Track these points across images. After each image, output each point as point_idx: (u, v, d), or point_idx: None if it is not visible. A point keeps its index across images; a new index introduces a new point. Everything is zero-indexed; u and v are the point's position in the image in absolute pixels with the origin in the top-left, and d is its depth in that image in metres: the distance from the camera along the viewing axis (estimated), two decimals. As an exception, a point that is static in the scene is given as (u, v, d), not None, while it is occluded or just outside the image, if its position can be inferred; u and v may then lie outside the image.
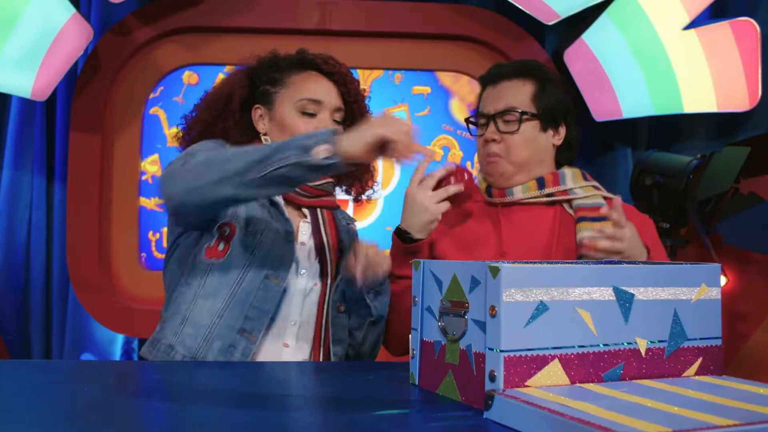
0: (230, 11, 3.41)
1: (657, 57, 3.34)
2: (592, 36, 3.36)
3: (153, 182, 3.49)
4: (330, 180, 2.03)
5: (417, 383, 1.30)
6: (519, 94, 2.08)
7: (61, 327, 3.55)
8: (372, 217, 3.55)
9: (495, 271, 1.09)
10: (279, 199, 1.91)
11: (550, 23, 3.37)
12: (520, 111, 2.04)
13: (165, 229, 3.38)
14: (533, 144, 2.06)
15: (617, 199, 1.80)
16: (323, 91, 1.98)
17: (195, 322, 1.78)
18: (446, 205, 1.87)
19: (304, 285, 1.89)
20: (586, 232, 1.96)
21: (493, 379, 1.09)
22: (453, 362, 1.20)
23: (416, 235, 1.89)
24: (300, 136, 1.67)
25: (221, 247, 1.81)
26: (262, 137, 1.99)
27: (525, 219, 2.06)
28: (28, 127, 3.50)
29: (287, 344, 1.85)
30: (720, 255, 3.31)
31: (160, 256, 3.45)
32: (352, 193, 2.16)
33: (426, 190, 1.86)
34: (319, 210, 1.97)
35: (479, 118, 2.13)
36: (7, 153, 3.49)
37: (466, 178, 1.89)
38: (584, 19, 3.38)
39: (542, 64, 2.21)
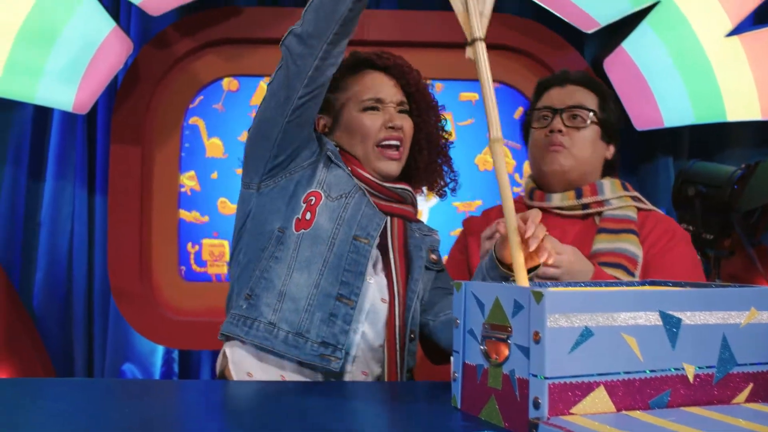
0: (268, 22, 3.42)
1: (699, 64, 3.28)
2: (632, 44, 3.32)
3: (191, 195, 3.51)
4: (406, 187, 1.99)
5: (459, 407, 1.29)
6: (587, 98, 2.13)
7: (102, 337, 3.58)
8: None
9: (539, 296, 1.08)
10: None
11: (590, 32, 3.34)
12: (590, 109, 2.10)
13: (204, 241, 3.44)
14: (593, 147, 2.11)
15: (533, 215, 1.54)
16: (382, 87, 1.96)
17: (293, 296, 1.76)
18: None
19: (372, 295, 1.84)
20: (600, 244, 1.98)
21: (537, 406, 1.07)
22: (496, 387, 1.18)
23: None
24: None
25: (308, 216, 1.81)
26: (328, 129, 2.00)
27: (554, 229, 2.01)
28: (69, 139, 3.54)
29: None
30: (765, 266, 3.24)
31: (199, 269, 3.48)
32: (434, 189, 2.10)
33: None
34: (389, 218, 1.91)
35: (543, 111, 2.14)
36: (50, 165, 3.53)
37: None
38: (624, 27, 3.34)
39: (603, 83, 2.26)
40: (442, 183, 2.09)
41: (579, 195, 2.09)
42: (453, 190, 2.12)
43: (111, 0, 3.47)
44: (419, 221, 2.06)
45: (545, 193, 2.14)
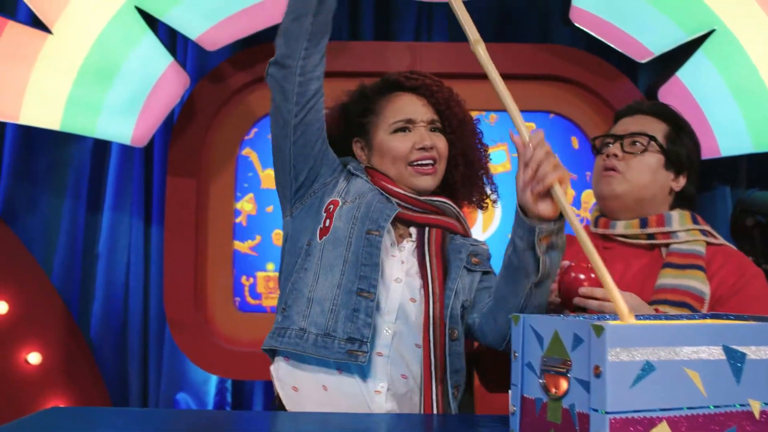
0: (322, 56, 3.46)
1: (756, 92, 3.23)
2: (687, 73, 3.28)
3: (247, 226, 3.54)
4: (445, 200, 1.99)
5: (517, 441, 1.27)
6: (654, 127, 2.09)
7: (157, 367, 3.62)
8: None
9: (599, 330, 1.07)
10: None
11: (644, 61, 3.31)
12: (651, 136, 2.05)
13: (258, 274, 3.47)
14: (653, 174, 2.06)
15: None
16: (412, 108, 1.98)
17: (320, 299, 1.81)
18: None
19: (400, 293, 1.85)
20: (665, 279, 1.92)
21: (598, 441, 1.05)
22: (555, 421, 1.17)
23: None
24: None
25: (327, 223, 1.86)
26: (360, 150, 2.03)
27: (621, 259, 2.03)
28: (127, 172, 3.62)
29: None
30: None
31: (254, 301, 3.50)
32: (473, 202, 2.10)
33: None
34: (427, 229, 1.93)
35: (606, 138, 2.14)
36: (108, 197, 3.61)
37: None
38: (678, 56, 3.31)
39: (681, 115, 2.20)
40: (480, 195, 2.10)
41: (644, 224, 2.04)
42: (494, 201, 2.14)
43: (168, 36, 3.54)
44: (467, 236, 2.04)
45: (609, 220, 2.10)
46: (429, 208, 1.96)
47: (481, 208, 2.13)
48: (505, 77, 3.57)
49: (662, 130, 2.09)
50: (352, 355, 1.73)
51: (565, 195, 1.49)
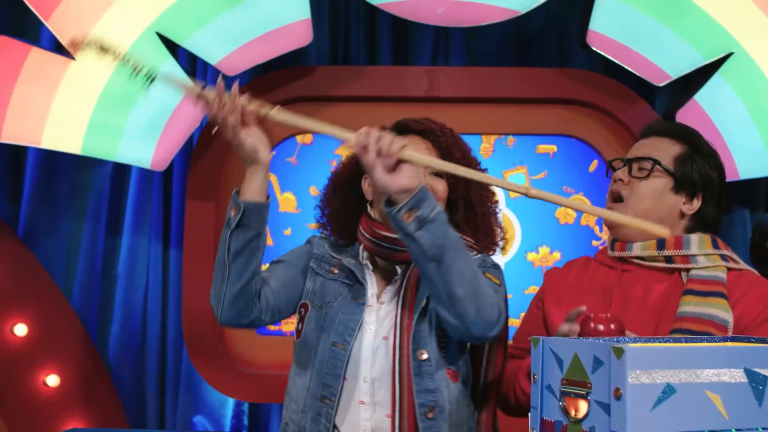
0: (341, 80, 3.48)
1: (775, 115, 3.23)
2: (705, 96, 3.28)
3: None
4: None
5: (537, 464, 1.27)
6: (664, 149, 2.01)
7: (175, 389, 3.62)
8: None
9: (619, 352, 1.06)
10: (365, 261, 1.97)
11: (661, 84, 3.32)
12: (655, 160, 1.98)
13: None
14: (659, 198, 1.97)
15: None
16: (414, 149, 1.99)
17: (295, 398, 1.92)
18: None
19: (371, 342, 1.88)
20: (686, 307, 1.84)
21: (619, 464, 1.05)
22: (575, 444, 1.16)
23: None
24: None
25: (300, 326, 1.94)
26: (368, 204, 2.01)
27: (641, 282, 1.96)
28: (146, 195, 3.65)
29: (363, 401, 1.86)
30: None
31: (273, 327, 3.50)
32: (482, 244, 2.06)
33: None
34: (409, 266, 1.95)
35: (616, 161, 2.08)
36: (127, 220, 3.64)
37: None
38: (696, 80, 3.31)
39: (700, 136, 2.10)
40: (487, 237, 2.07)
41: (661, 246, 1.96)
42: (502, 247, 2.13)
43: (189, 61, 3.58)
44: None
45: (625, 243, 2.02)
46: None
47: (492, 250, 2.10)
48: (523, 102, 3.63)
49: (674, 151, 2.01)
50: None
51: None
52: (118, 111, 3.22)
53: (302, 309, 1.96)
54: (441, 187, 1.97)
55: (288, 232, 3.55)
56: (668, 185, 1.98)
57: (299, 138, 3.58)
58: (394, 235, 1.88)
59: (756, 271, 1.99)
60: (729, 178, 3.23)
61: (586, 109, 3.50)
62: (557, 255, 3.50)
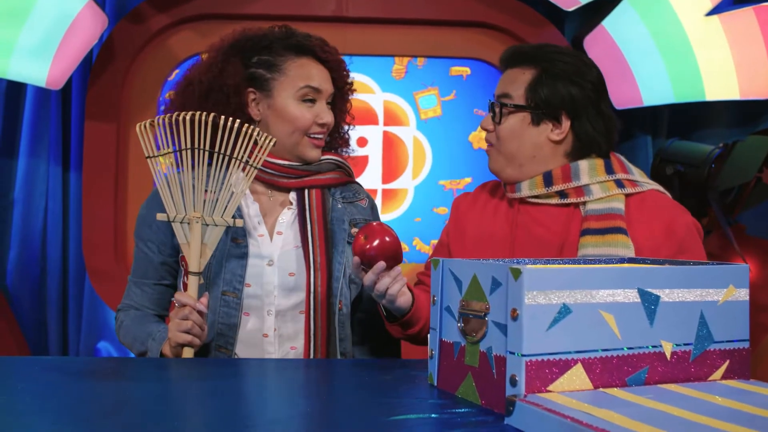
0: (245, -2, 3.38)
1: (679, 44, 3.27)
2: (612, 22, 3.30)
3: (167, 172, 3.46)
4: (330, 157, 2.02)
5: (435, 384, 1.28)
6: (517, 81, 1.88)
7: (77, 315, 3.54)
8: (401, 209, 3.50)
9: (517, 273, 1.06)
10: (248, 194, 1.95)
11: (570, 9, 3.32)
12: (502, 102, 1.88)
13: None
14: (520, 138, 1.86)
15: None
16: (322, 78, 1.97)
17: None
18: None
19: (276, 277, 1.87)
20: (585, 250, 1.75)
21: (514, 383, 1.06)
22: (473, 364, 1.17)
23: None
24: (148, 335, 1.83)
25: (186, 279, 1.81)
26: (257, 124, 1.94)
27: (537, 220, 1.87)
28: (43, 115, 3.48)
29: (266, 335, 1.86)
30: (742, 245, 3.26)
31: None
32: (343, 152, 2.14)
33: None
34: (307, 192, 1.95)
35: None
36: (23, 142, 3.47)
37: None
38: (604, 6, 3.33)
39: (558, 50, 1.93)
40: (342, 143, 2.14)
41: (548, 180, 1.84)
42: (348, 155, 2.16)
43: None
44: (346, 183, 2.06)
45: (513, 184, 1.91)
46: (304, 173, 1.97)
47: (345, 152, 2.15)
48: (432, 23, 3.60)
49: (525, 80, 1.87)
50: None
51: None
52: (9, 24, 3.05)
53: (183, 261, 1.89)
54: (331, 118, 2.00)
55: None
56: (526, 120, 1.86)
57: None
58: (285, 162, 1.93)
59: (660, 187, 1.89)
60: (633, 105, 3.30)
61: (494, 32, 3.51)
62: (468, 179, 3.53)
